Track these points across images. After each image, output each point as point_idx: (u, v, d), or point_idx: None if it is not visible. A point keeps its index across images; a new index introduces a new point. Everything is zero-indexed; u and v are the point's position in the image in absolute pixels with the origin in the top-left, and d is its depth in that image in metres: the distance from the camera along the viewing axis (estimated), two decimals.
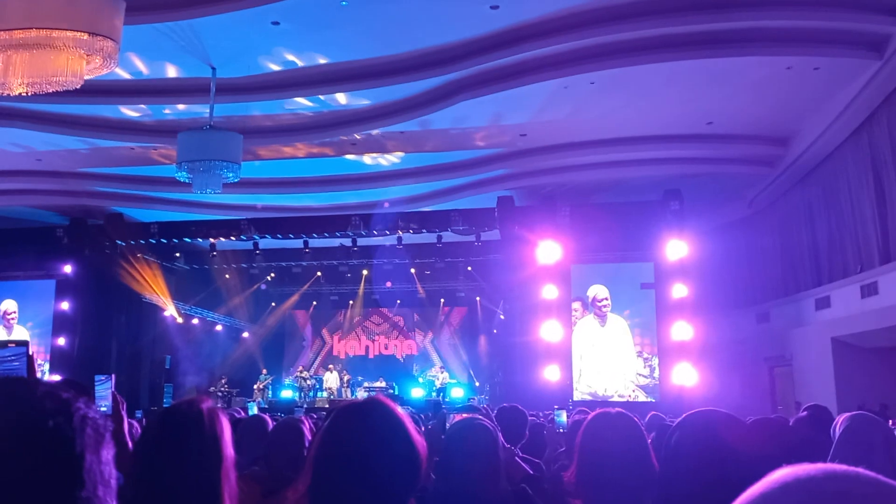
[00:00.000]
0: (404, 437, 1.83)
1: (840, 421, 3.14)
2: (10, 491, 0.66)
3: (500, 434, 2.98)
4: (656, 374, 15.15)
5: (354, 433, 1.81)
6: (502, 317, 19.27)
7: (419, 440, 1.86)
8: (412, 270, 20.38)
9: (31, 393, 0.71)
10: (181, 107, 12.50)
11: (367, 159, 14.75)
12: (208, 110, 11.04)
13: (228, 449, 1.86)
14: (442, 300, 22.57)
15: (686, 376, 14.43)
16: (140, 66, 11.21)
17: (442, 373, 20.76)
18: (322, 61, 11.18)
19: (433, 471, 2.91)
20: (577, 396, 14.82)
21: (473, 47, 10.61)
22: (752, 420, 3.90)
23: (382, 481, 1.75)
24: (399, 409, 1.90)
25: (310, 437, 3.64)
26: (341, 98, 12.23)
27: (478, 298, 21.68)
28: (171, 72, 11.45)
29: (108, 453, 0.73)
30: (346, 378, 21.12)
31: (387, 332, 23.74)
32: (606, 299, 15.56)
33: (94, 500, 0.69)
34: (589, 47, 10.51)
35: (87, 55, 6.94)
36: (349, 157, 14.54)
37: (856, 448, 2.90)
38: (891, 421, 5.18)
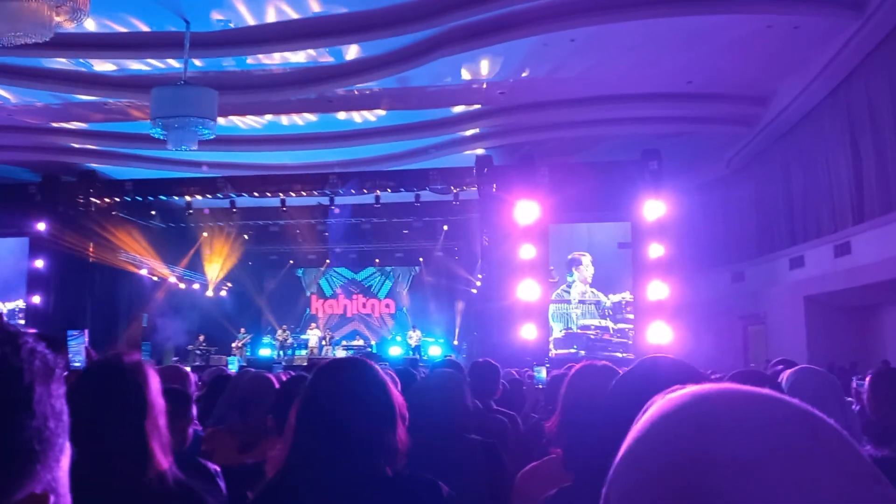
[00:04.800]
0: (383, 393, 1.91)
1: (786, 375, 3.18)
2: None
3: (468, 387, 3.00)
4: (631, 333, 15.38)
5: (335, 389, 1.89)
6: (480, 275, 19.32)
7: (398, 397, 1.94)
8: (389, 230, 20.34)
9: None
10: (159, 64, 12.25)
11: (355, 116, 14.56)
12: (182, 65, 10.84)
13: (156, 399, 1.90)
14: (421, 259, 22.58)
15: (661, 335, 14.61)
16: (111, 18, 10.93)
17: (415, 332, 20.85)
18: (296, 16, 10.98)
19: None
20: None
21: (452, 2, 10.45)
22: (732, 373, 3.95)
23: (361, 435, 1.82)
24: (378, 368, 1.97)
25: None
26: (316, 53, 12.04)
27: (456, 258, 21.71)
28: (144, 25, 11.19)
29: (58, 388, 0.72)
30: (327, 336, 21.19)
31: (365, 291, 23.76)
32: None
33: (44, 431, 0.69)
34: (568, 3, 10.40)
35: (57, 6, 6.77)
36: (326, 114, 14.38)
37: (804, 400, 2.96)
38: (854, 378, 5.27)
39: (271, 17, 10.95)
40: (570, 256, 15.90)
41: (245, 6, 10.66)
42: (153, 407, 1.88)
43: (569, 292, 15.83)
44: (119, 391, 1.86)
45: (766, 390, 0.62)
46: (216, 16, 10.83)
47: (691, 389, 0.64)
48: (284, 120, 14.77)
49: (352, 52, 11.97)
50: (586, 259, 15.81)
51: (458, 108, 14.33)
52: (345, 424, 1.83)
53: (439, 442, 2.70)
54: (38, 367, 0.70)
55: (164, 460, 1.85)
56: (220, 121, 13.91)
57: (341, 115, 14.46)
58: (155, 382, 1.93)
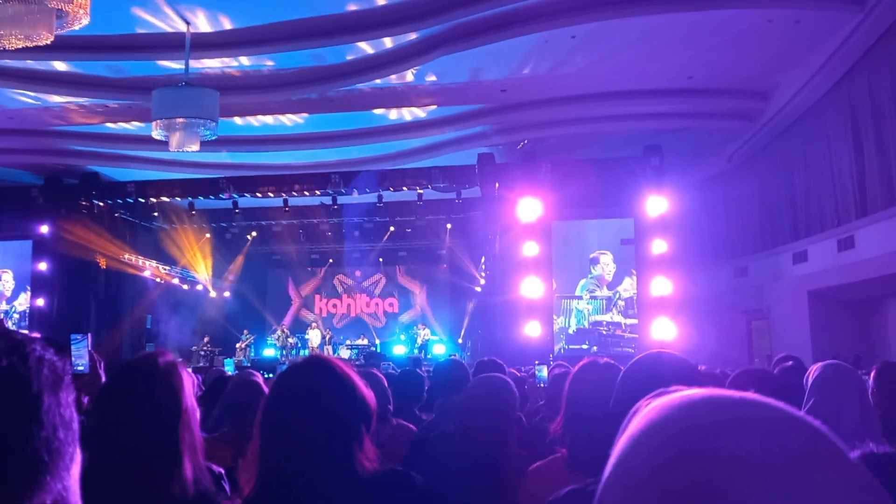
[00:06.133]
0: (345, 390, 1.87)
1: (812, 370, 3.18)
2: None
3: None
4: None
5: (296, 390, 1.86)
6: (484, 273, 19.33)
7: (365, 391, 1.90)
8: (391, 228, 20.35)
9: None
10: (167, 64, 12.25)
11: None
12: (183, 66, 10.83)
13: (188, 401, 1.87)
14: (423, 257, 22.57)
15: (665, 331, 14.58)
16: (112, 19, 10.93)
17: (423, 329, 20.86)
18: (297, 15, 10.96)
19: None
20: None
21: (452, 0, 10.43)
22: (736, 372, 3.95)
23: (325, 433, 1.79)
24: (341, 363, 1.94)
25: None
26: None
27: (460, 256, 21.68)
28: (144, 26, 11.20)
29: (67, 396, 0.72)
30: (328, 336, 21.19)
31: (368, 290, 23.76)
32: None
33: (53, 441, 0.68)
34: (569, 0, 10.38)
35: (58, 8, 6.76)
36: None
37: (829, 396, 2.95)
38: (862, 371, 5.27)
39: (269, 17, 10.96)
40: (591, 255, 15.86)
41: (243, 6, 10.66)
42: (187, 410, 1.85)
43: (598, 286, 15.71)
44: (152, 393, 1.82)
45: (750, 394, 0.62)
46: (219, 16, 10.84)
47: (677, 395, 0.64)
48: (286, 119, 14.78)
49: (353, 51, 11.96)
50: (606, 258, 15.75)
51: (460, 107, 14.31)
52: (305, 430, 1.79)
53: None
54: (46, 376, 0.69)
55: (194, 465, 1.82)
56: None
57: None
58: (188, 384, 1.90)
